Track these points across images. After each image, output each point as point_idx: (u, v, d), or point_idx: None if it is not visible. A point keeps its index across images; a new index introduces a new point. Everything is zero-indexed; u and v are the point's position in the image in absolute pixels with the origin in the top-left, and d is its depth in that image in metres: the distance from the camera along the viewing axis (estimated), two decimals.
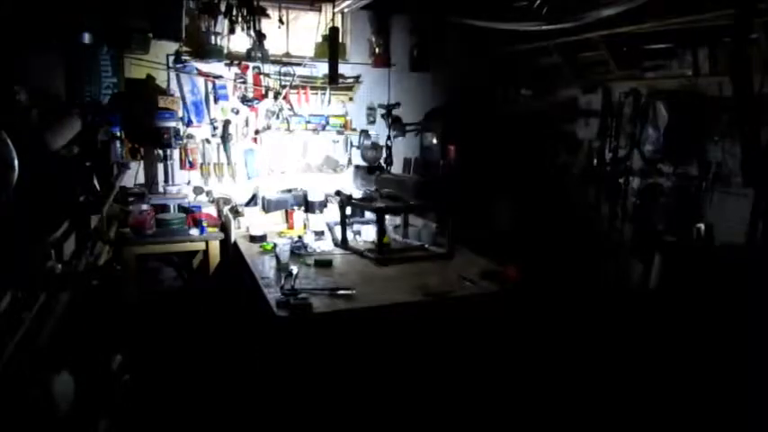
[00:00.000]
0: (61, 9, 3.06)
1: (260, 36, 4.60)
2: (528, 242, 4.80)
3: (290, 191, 4.99)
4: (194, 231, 4.43)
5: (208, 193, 4.89)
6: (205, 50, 4.60)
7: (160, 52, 4.61)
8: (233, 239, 4.52)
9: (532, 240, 4.84)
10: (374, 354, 3.07)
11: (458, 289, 3.40)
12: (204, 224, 4.51)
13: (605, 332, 3.84)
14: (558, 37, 4.43)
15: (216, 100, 4.87)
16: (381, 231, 3.94)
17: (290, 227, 4.70)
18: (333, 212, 4.54)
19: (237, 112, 4.95)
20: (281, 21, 4.77)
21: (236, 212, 4.69)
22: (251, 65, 4.85)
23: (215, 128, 4.88)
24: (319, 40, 5.10)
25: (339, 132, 5.35)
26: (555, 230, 4.94)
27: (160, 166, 4.71)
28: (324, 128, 5.27)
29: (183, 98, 4.74)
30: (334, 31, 4.68)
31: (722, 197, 3.59)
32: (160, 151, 4.61)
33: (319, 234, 4.45)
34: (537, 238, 4.89)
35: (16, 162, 1.72)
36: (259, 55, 4.63)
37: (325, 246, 4.23)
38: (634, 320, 3.74)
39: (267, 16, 4.60)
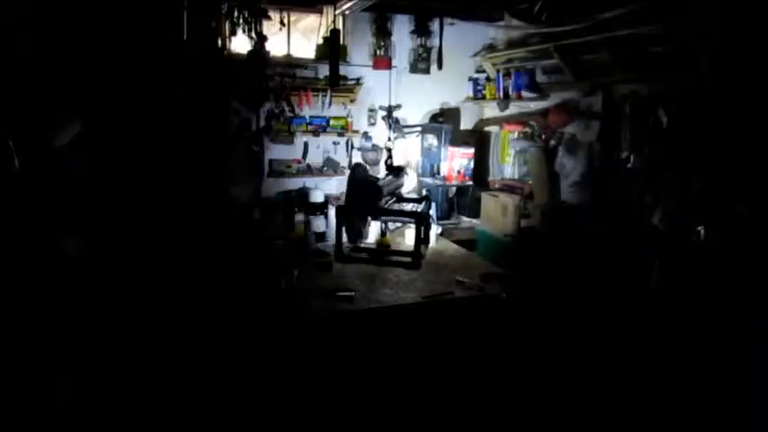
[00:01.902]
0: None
1: (261, 38, 4.61)
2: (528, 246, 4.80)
3: (290, 192, 4.99)
4: None
5: None
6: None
7: None
8: None
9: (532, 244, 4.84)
10: (373, 355, 3.07)
11: (457, 291, 3.39)
12: None
13: (606, 333, 3.83)
14: (559, 39, 4.43)
15: None
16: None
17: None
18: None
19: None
20: (282, 23, 4.78)
21: None
22: None
23: None
24: (320, 41, 5.11)
25: (340, 134, 5.36)
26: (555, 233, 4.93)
27: None
28: (325, 129, 5.28)
29: None
30: (335, 32, 4.69)
31: (723, 200, 3.58)
32: None
33: (320, 236, 4.45)
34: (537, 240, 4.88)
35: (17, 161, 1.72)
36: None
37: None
38: (634, 322, 3.73)
39: (268, 18, 4.61)
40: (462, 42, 5.63)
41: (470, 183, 5.48)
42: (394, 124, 5.51)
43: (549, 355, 3.71)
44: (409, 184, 4.71)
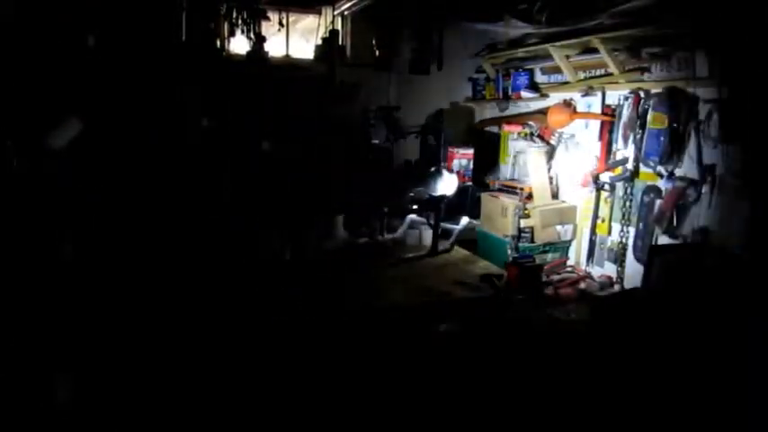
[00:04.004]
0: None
1: (260, 38, 4.62)
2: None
3: None
4: None
5: None
6: None
7: None
8: None
9: None
10: (373, 356, 3.07)
11: (457, 292, 3.40)
12: None
13: (606, 333, 3.83)
14: (558, 40, 4.43)
15: None
16: None
17: None
18: None
19: None
20: (281, 23, 4.78)
21: None
22: None
23: None
24: (319, 42, 5.11)
25: None
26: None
27: None
28: None
29: None
30: (333, 33, 4.69)
31: (721, 200, 3.59)
32: None
33: None
34: None
35: None
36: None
37: None
38: (634, 322, 3.73)
39: (267, 19, 4.62)
40: (462, 42, 5.63)
41: (470, 183, 5.48)
42: (393, 125, 5.50)
43: (549, 354, 3.70)
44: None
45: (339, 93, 5.19)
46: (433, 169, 4.65)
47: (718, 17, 3.25)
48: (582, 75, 4.75)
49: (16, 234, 1.95)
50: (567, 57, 4.70)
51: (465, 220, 4.75)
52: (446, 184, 4.50)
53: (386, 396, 3.09)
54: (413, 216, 4.67)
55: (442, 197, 4.48)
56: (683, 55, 3.79)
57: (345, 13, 5.02)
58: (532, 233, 4.81)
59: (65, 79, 3.71)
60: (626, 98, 4.21)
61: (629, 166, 4.21)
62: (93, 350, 3.00)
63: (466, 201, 5.31)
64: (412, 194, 4.45)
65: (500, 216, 4.98)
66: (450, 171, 5.36)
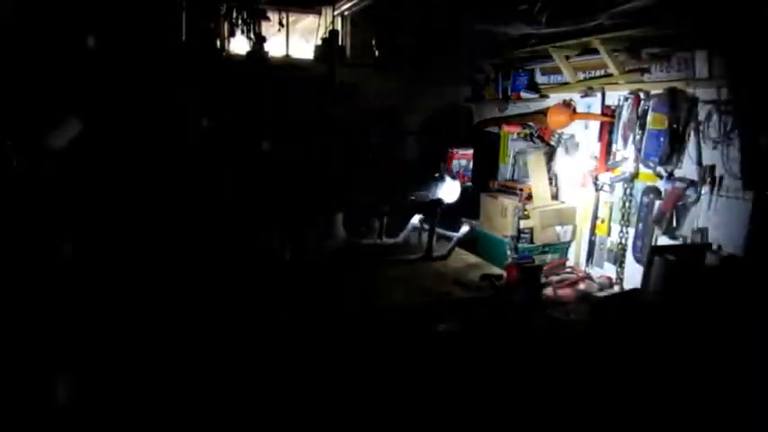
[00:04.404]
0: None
1: (260, 39, 4.62)
2: None
3: None
4: None
5: None
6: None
7: None
8: None
9: None
10: (372, 356, 3.07)
11: (457, 292, 3.40)
12: None
13: (607, 332, 3.83)
14: (558, 40, 4.43)
15: None
16: None
17: None
18: None
19: None
20: (281, 24, 4.78)
21: None
22: None
23: None
24: (319, 42, 5.11)
25: None
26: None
27: None
28: None
29: None
30: (333, 33, 4.68)
31: (720, 200, 3.59)
32: None
33: None
34: None
35: None
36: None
37: None
38: (634, 323, 3.73)
39: (267, 19, 4.62)
40: (462, 42, 5.62)
41: (469, 183, 5.48)
42: (393, 125, 5.50)
43: (549, 354, 3.70)
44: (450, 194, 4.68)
45: (339, 93, 5.19)
46: (436, 175, 4.66)
47: (718, 17, 3.25)
48: (582, 75, 4.75)
49: (16, 234, 1.95)
50: (567, 57, 4.70)
51: (465, 228, 4.75)
52: (448, 190, 4.50)
53: (386, 395, 3.09)
54: (415, 219, 4.68)
55: (439, 201, 4.48)
56: (682, 55, 3.80)
57: (345, 13, 5.02)
58: (532, 234, 4.81)
59: (65, 79, 3.70)
60: (626, 99, 4.21)
61: (629, 166, 4.21)
62: (93, 350, 3.00)
63: (465, 200, 5.32)
64: (413, 197, 4.44)
65: (500, 216, 4.98)
66: (451, 171, 5.37)
